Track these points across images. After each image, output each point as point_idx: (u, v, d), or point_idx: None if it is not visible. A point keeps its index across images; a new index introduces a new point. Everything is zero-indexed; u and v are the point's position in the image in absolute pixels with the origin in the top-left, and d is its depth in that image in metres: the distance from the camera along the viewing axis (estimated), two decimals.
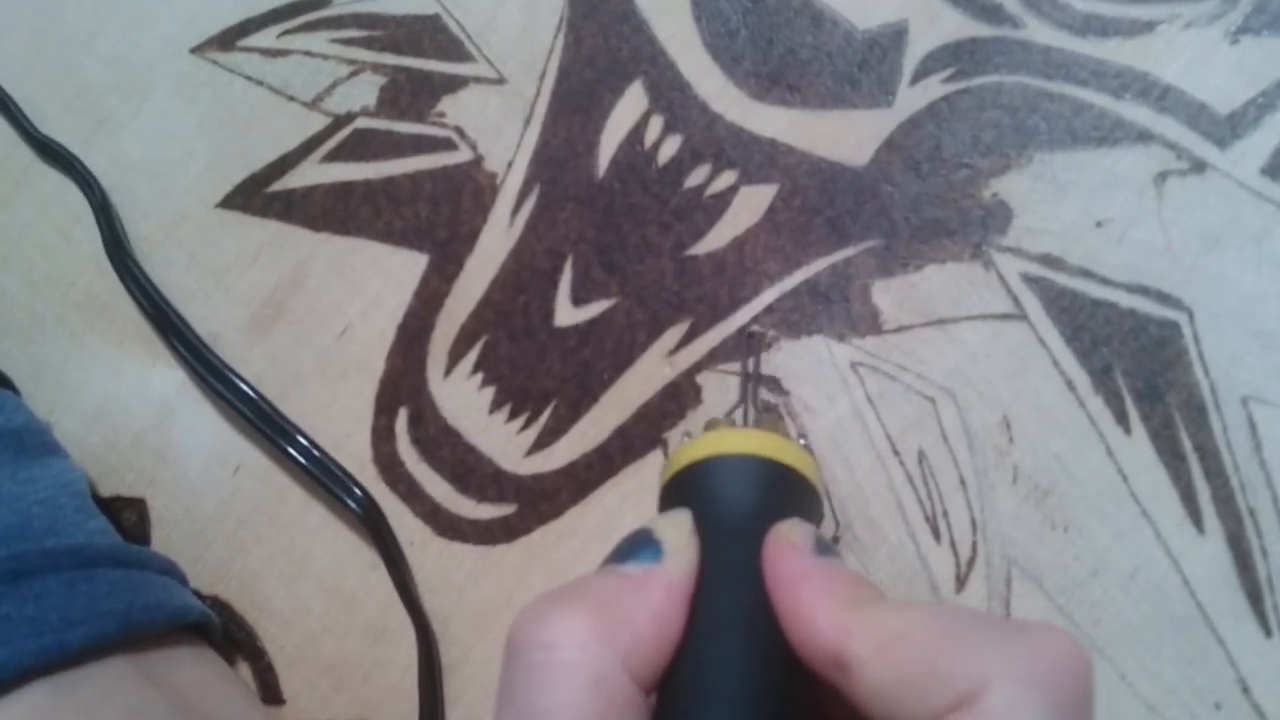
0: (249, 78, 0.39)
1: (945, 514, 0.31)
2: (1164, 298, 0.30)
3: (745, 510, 0.26)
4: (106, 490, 0.38)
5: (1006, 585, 0.30)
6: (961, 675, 0.20)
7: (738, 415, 0.32)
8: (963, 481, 0.31)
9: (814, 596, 0.23)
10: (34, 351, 0.39)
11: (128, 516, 0.38)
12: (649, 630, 0.23)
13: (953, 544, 0.31)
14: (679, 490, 0.27)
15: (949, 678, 0.20)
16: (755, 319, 0.33)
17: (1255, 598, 0.29)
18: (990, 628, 0.21)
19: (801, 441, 0.29)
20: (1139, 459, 0.30)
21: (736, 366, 0.33)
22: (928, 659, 0.21)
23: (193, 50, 0.40)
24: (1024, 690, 0.20)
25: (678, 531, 0.25)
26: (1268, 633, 0.28)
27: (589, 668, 0.22)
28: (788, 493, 0.26)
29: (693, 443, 0.27)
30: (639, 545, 0.25)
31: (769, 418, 0.31)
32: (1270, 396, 0.29)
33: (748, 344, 0.33)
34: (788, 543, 0.24)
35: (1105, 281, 0.31)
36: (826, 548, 0.24)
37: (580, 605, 0.23)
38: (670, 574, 0.24)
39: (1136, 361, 0.30)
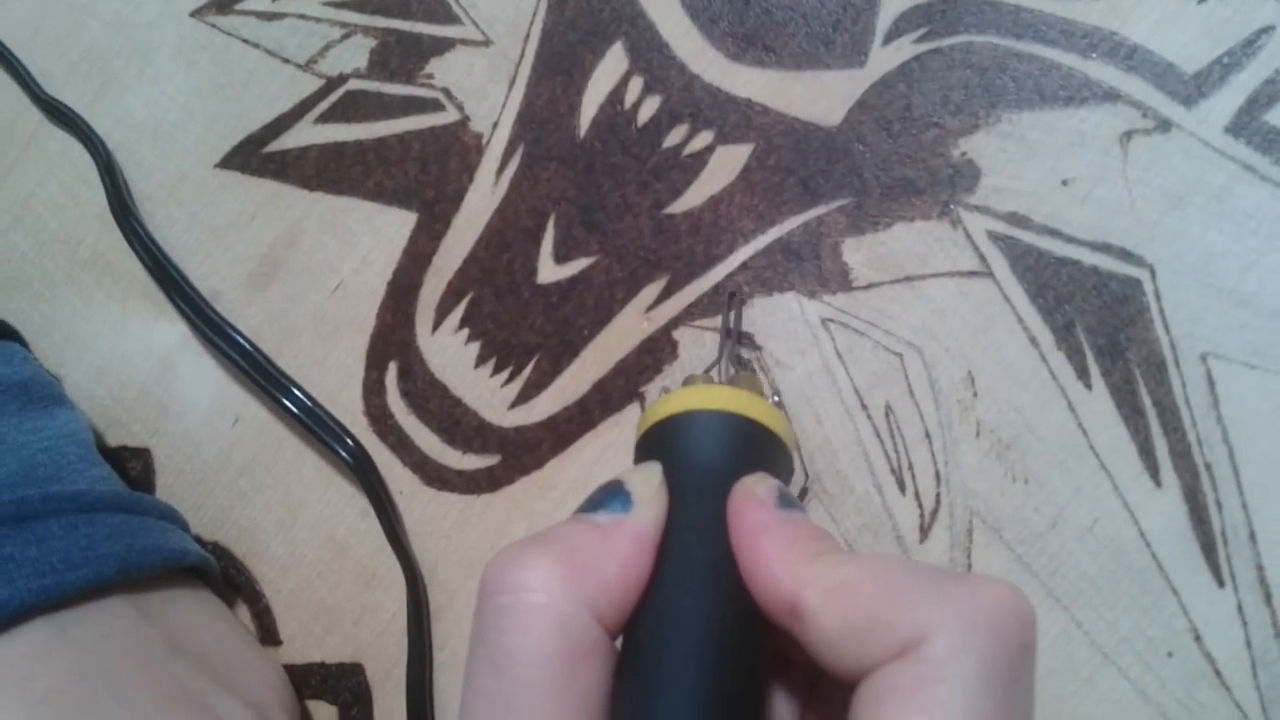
0: (246, 40, 0.40)
1: (910, 466, 0.32)
2: (1127, 255, 0.30)
3: (714, 464, 0.26)
4: (113, 441, 0.39)
5: (968, 536, 0.31)
6: (904, 624, 0.21)
7: (715, 372, 0.33)
8: (928, 435, 0.32)
9: (773, 548, 0.24)
10: (43, 308, 0.40)
11: (133, 466, 0.39)
12: (616, 577, 0.24)
13: (917, 495, 0.32)
14: (653, 443, 0.27)
15: (893, 626, 0.21)
16: (730, 276, 0.33)
17: (1209, 549, 0.29)
18: (936, 579, 0.22)
19: (775, 399, 0.29)
20: (1099, 414, 0.30)
21: (712, 322, 0.34)
22: (873, 608, 0.21)
23: (192, 14, 0.41)
24: (965, 639, 0.21)
25: (647, 484, 0.26)
26: (1220, 583, 0.29)
27: (555, 611, 0.23)
28: (757, 448, 0.27)
29: (667, 398, 0.27)
30: (609, 496, 0.26)
31: (745, 376, 0.31)
32: (1228, 353, 0.29)
33: (728, 302, 0.33)
34: (752, 496, 0.25)
35: (1070, 239, 0.31)
36: (789, 501, 0.25)
37: (549, 551, 0.24)
38: (638, 524, 0.25)
39: (1098, 318, 0.30)
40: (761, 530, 0.24)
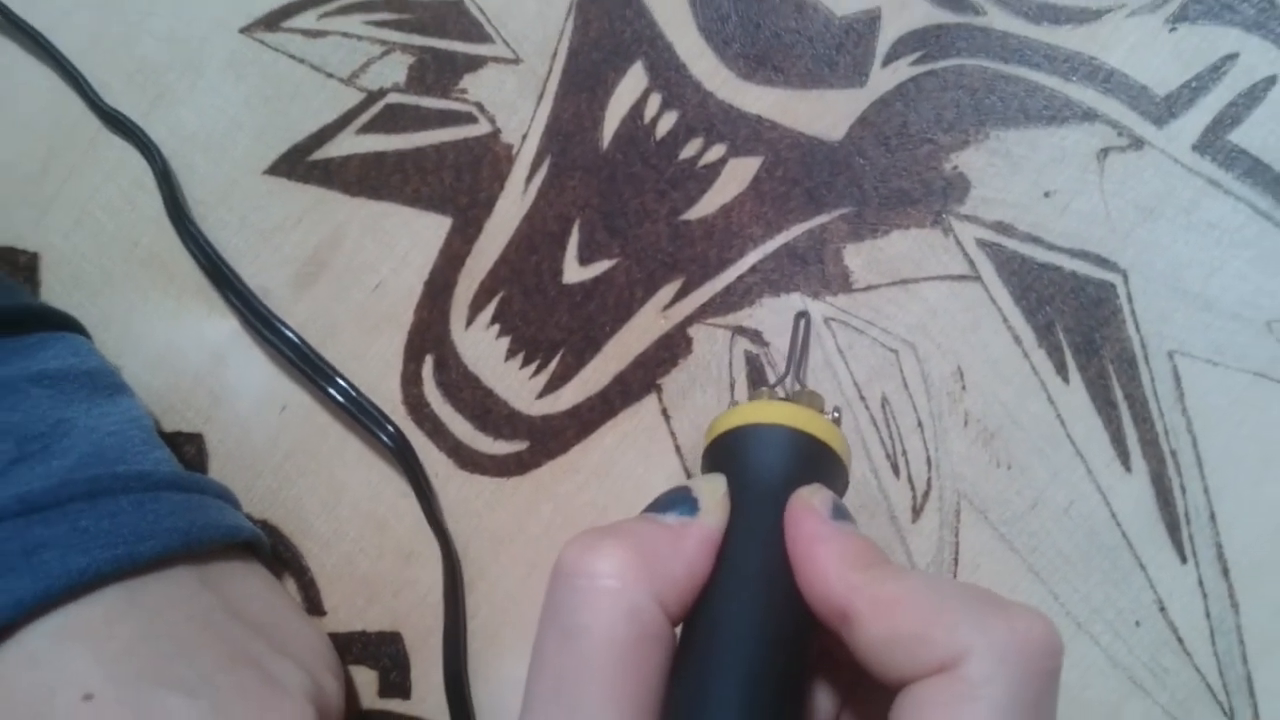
0: (292, 56, 0.43)
1: (904, 453, 0.35)
2: (1102, 261, 0.34)
3: (774, 474, 0.28)
4: (169, 427, 0.42)
5: (956, 516, 0.34)
6: (945, 643, 0.23)
7: (781, 387, 0.34)
8: (920, 424, 0.35)
9: (827, 556, 0.26)
10: (103, 304, 0.43)
11: (188, 449, 0.42)
12: (681, 574, 0.26)
13: (910, 479, 0.35)
14: (719, 451, 0.29)
15: (935, 644, 0.23)
16: (740, 278, 0.36)
17: (1174, 529, 0.32)
18: (977, 603, 0.24)
19: (834, 415, 0.31)
20: (1076, 406, 0.33)
21: (728, 320, 0.37)
22: (918, 624, 0.23)
23: (241, 30, 0.43)
24: (999, 664, 0.23)
25: (713, 493, 0.28)
26: (1183, 559, 0.32)
27: (627, 597, 0.25)
28: (815, 462, 0.28)
29: (735, 410, 0.29)
30: (678, 500, 0.28)
31: (807, 393, 0.33)
32: (1193, 350, 0.33)
33: (795, 323, 0.34)
34: (808, 506, 0.27)
35: (1051, 247, 0.34)
36: (843, 513, 0.27)
37: (624, 544, 0.26)
38: (703, 528, 0.27)
39: (1076, 318, 0.34)
40: (816, 539, 0.26)
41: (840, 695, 0.28)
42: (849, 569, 0.25)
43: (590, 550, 0.25)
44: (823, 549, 0.26)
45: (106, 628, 0.33)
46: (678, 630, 0.26)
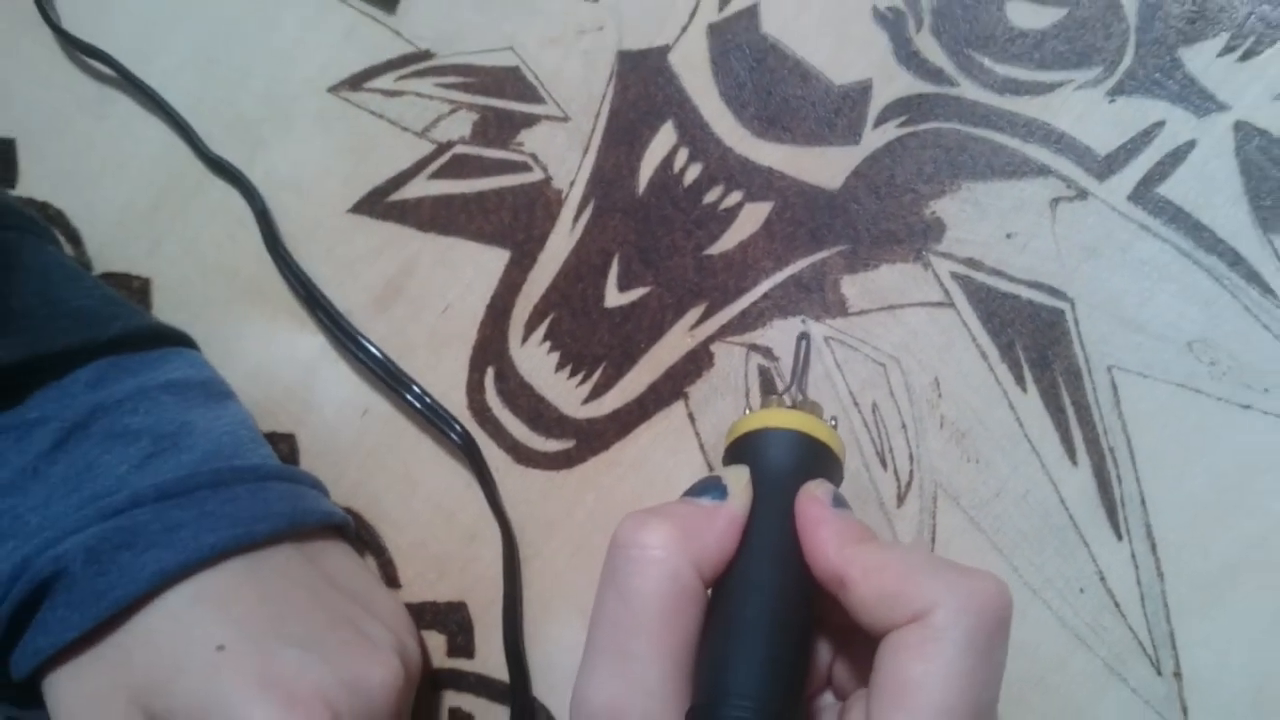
0: (372, 112, 0.48)
1: (890, 450, 0.40)
2: (1054, 291, 0.39)
3: (785, 468, 0.33)
4: (266, 429, 0.46)
5: (934, 503, 0.40)
6: (918, 599, 0.28)
7: (787, 396, 0.38)
8: (904, 426, 0.40)
9: (828, 535, 0.31)
10: (208, 324, 0.48)
11: (282, 448, 0.47)
12: (714, 546, 0.31)
13: (895, 472, 0.40)
14: (740, 449, 0.34)
15: (910, 599, 0.28)
16: (754, 304, 0.42)
17: (1111, 512, 0.38)
18: (944, 568, 0.30)
19: (831, 421, 0.35)
20: (1032, 411, 0.39)
21: (744, 339, 0.42)
22: (897, 585, 0.29)
23: (329, 89, 0.49)
24: (960, 614, 0.28)
25: (738, 481, 0.32)
26: (1119, 537, 0.37)
27: (670, 564, 0.30)
28: (817, 459, 0.33)
29: (752, 416, 0.34)
30: (710, 486, 0.32)
31: (810, 402, 0.37)
32: (1128, 365, 0.38)
33: (797, 343, 0.38)
34: (813, 496, 0.32)
35: (1012, 279, 0.40)
36: (841, 501, 0.32)
37: (668, 521, 0.31)
38: (731, 510, 0.32)
39: (1032, 338, 0.39)
40: (820, 522, 0.31)
41: (834, 648, 0.34)
42: (845, 544, 0.30)
43: (642, 526, 0.31)
44: (825, 529, 0.31)
45: (232, 593, 0.38)
46: (709, 592, 0.32)
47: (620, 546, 0.31)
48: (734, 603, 0.31)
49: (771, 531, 0.32)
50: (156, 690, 0.37)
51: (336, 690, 0.37)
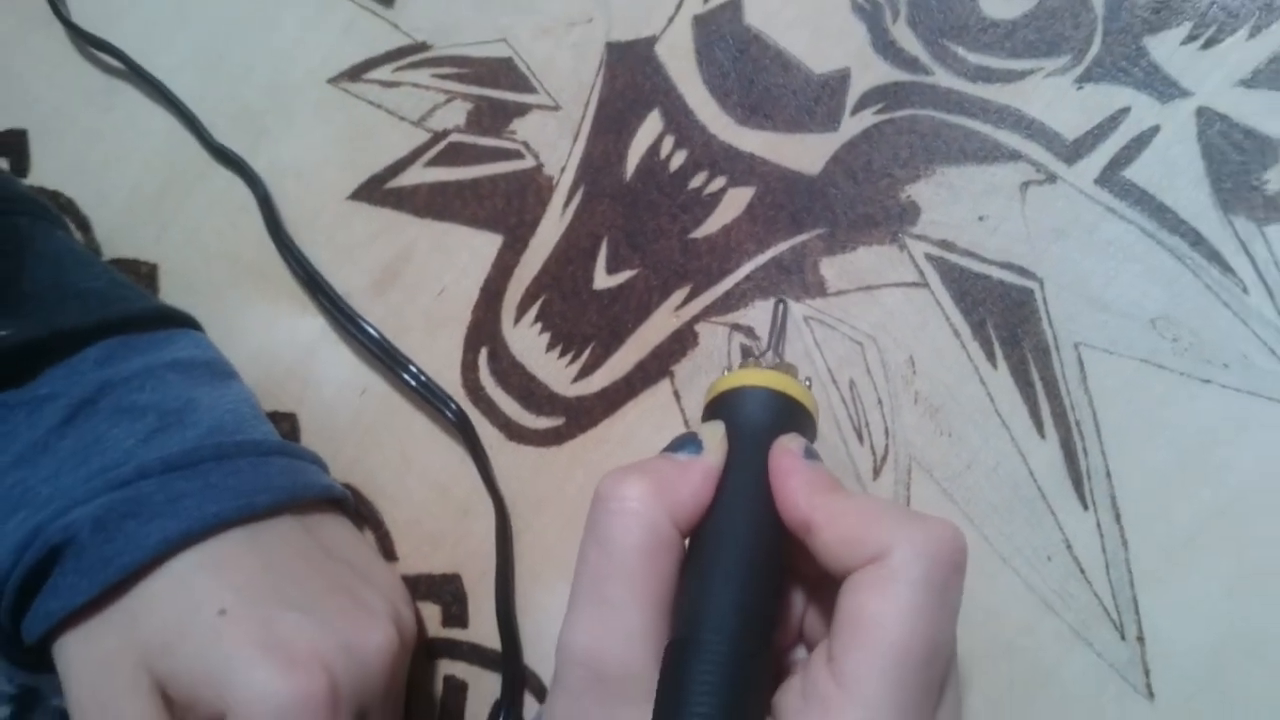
0: (371, 102, 0.50)
1: (867, 425, 0.42)
2: (1024, 272, 0.41)
3: (760, 424, 0.34)
4: (268, 408, 0.48)
5: (908, 475, 0.41)
6: (877, 541, 0.30)
7: (764, 359, 0.40)
8: (880, 402, 0.42)
9: (798, 484, 0.32)
10: (212, 307, 0.49)
11: (283, 427, 0.48)
12: (689, 498, 0.32)
13: (872, 446, 0.41)
14: (718, 406, 0.35)
15: (870, 542, 0.30)
16: (737, 285, 0.44)
17: (1078, 483, 0.39)
18: (903, 515, 0.31)
19: (806, 382, 0.36)
20: (1002, 386, 0.40)
21: (727, 319, 0.44)
22: (859, 529, 0.31)
23: (328, 81, 0.50)
24: (915, 555, 0.30)
25: (713, 436, 0.34)
26: (1085, 507, 0.39)
27: (647, 515, 0.32)
28: (791, 415, 0.35)
29: (730, 375, 0.36)
30: (687, 442, 0.34)
31: (785, 364, 0.39)
32: (1094, 342, 0.39)
33: (774, 308, 0.40)
34: (786, 449, 0.34)
35: (984, 260, 0.41)
36: (812, 454, 0.34)
37: (645, 476, 0.32)
38: (706, 463, 0.33)
39: (1003, 317, 0.41)
40: (791, 472, 0.33)
41: (805, 602, 0.35)
42: (812, 493, 0.32)
43: (620, 482, 0.32)
44: (795, 479, 0.33)
45: (234, 560, 0.40)
46: (686, 542, 0.33)
47: (600, 500, 0.33)
48: (709, 548, 0.32)
49: (746, 482, 0.33)
50: (162, 652, 0.38)
51: (334, 653, 0.38)
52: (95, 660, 0.39)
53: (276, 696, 0.37)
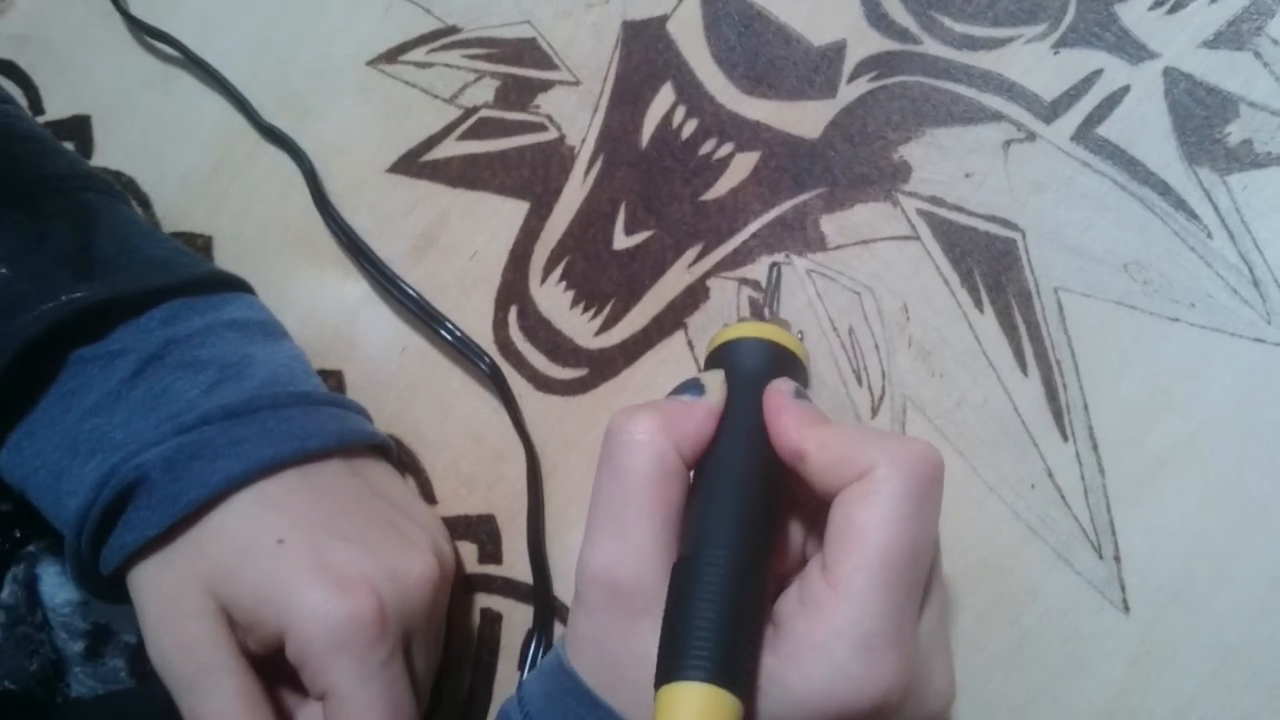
0: (406, 82, 0.53)
1: (865, 368, 0.45)
2: (1007, 223, 0.44)
3: (757, 371, 0.38)
4: (316, 366, 0.51)
5: (903, 413, 0.44)
6: (861, 460, 0.33)
7: (763, 314, 0.44)
8: (877, 346, 0.45)
9: (790, 420, 0.35)
10: (263, 274, 0.52)
11: (330, 382, 0.51)
12: (692, 433, 0.36)
13: (869, 387, 0.45)
14: (719, 355, 0.39)
15: (854, 461, 0.33)
16: (745, 242, 0.47)
17: (1058, 416, 0.42)
18: (884, 436, 0.35)
19: (799, 334, 0.40)
20: (988, 329, 0.43)
21: (736, 274, 0.47)
22: (844, 451, 0.34)
23: (367, 63, 0.54)
24: (895, 469, 0.33)
25: (714, 380, 0.37)
26: (1065, 438, 0.42)
27: (655, 446, 0.35)
28: (784, 363, 0.38)
29: (730, 328, 0.39)
30: (691, 385, 0.37)
31: (779, 319, 0.42)
32: (1072, 287, 0.42)
33: (769, 270, 0.44)
34: (778, 390, 0.37)
35: (970, 214, 0.44)
36: (802, 394, 0.37)
37: (652, 412, 0.35)
38: (708, 403, 0.36)
39: (989, 266, 0.44)
40: (783, 409, 0.36)
41: (805, 528, 0.39)
42: (802, 425, 0.36)
43: (630, 417, 0.36)
44: (787, 415, 0.36)
45: (289, 496, 0.43)
46: (691, 474, 0.37)
47: (612, 434, 0.36)
48: (711, 477, 0.36)
49: (743, 420, 0.37)
50: (225, 577, 0.42)
51: (381, 578, 0.42)
52: (165, 587, 0.43)
53: (331, 616, 0.41)
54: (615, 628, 0.35)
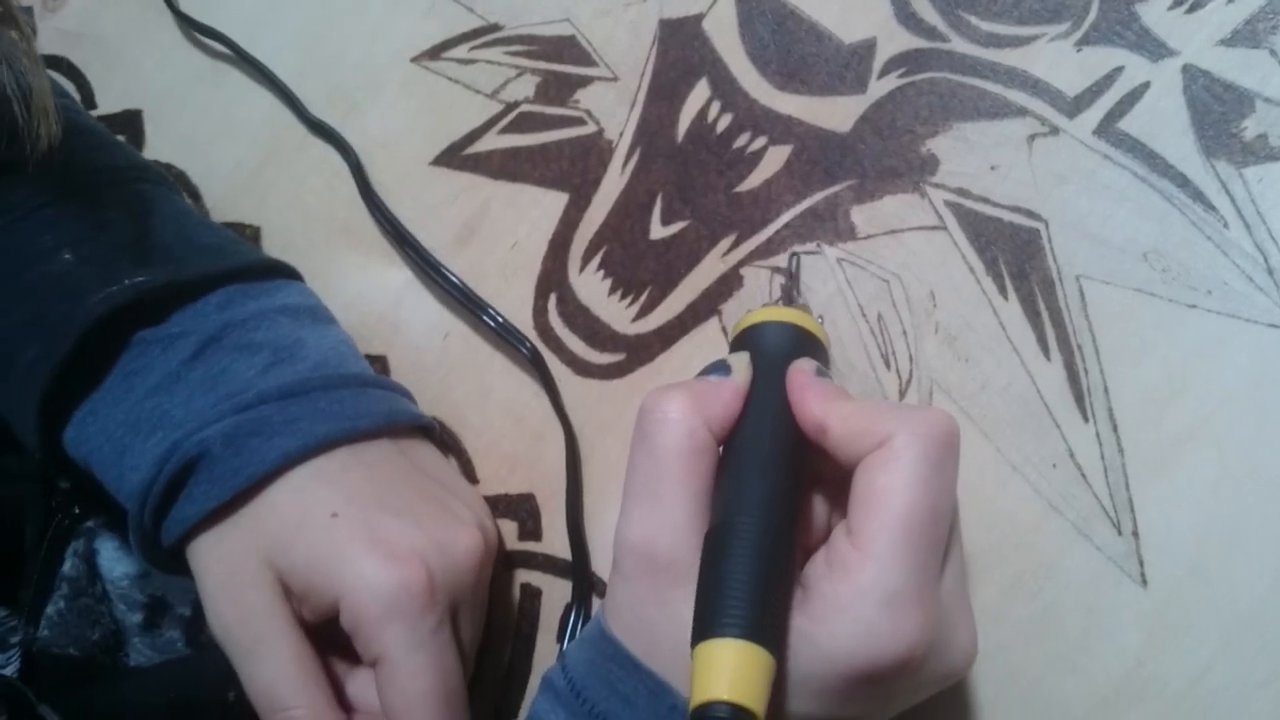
0: (449, 78, 0.55)
1: (894, 353, 0.46)
2: (1031, 214, 0.45)
3: (780, 352, 0.39)
4: (362, 351, 0.52)
5: (930, 397, 0.45)
6: (881, 430, 0.35)
7: (782, 300, 0.46)
8: (904, 332, 0.46)
9: (812, 396, 0.37)
10: (310, 263, 0.54)
11: (375, 367, 0.53)
12: (720, 410, 0.37)
13: (897, 371, 0.46)
14: (744, 338, 0.41)
15: (874, 432, 0.35)
16: (777, 232, 0.49)
17: (1079, 399, 0.43)
18: (902, 408, 0.37)
19: (819, 318, 0.41)
20: (1013, 315, 0.45)
21: (767, 262, 0.48)
22: (865, 423, 0.36)
23: (412, 60, 0.56)
24: (913, 437, 0.35)
25: (740, 361, 0.39)
26: (1085, 419, 0.43)
27: (686, 423, 0.36)
28: (805, 344, 0.40)
29: (754, 312, 0.41)
30: (718, 367, 0.39)
31: (801, 304, 0.45)
32: (1093, 275, 0.44)
33: (789, 259, 0.47)
34: (800, 369, 0.38)
35: (996, 205, 0.46)
36: (823, 372, 0.39)
37: (683, 391, 0.37)
38: (734, 383, 0.38)
39: (1013, 254, 0.45)
40: (805, 387, 0.38)
41: (829, 503, 0.40)
42: (824, 401, 0.37)
43: (662, 397, 0.38)
44: (809, 392, 0.38)
45: (342, 472, 0.45)
46: (720, 450, 0.38)
47: (645, 412, 0.38)
48: (738, 451, 0.38)
49: (768, 398, 0.39)
50: (282, 549, 0.44)
51: (429, 550, 0.44)
52: (225, 557, 0.45)
53: (382, 585, 0.43)
54: (652, 595, 0.37)
